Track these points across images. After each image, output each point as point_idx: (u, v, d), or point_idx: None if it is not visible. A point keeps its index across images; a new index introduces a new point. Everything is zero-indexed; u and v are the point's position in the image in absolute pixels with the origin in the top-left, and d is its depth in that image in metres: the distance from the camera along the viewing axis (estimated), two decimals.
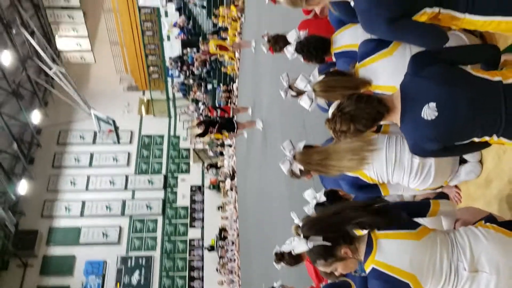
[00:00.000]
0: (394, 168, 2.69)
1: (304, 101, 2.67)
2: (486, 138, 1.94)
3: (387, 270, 1.95)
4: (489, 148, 2.30)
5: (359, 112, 2.01)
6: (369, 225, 2.03)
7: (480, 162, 2.75)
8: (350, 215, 2.03)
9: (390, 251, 1.98)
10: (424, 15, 1.97)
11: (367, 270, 2.03)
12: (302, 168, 2.46)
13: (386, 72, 2.50)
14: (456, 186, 2.97)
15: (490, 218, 2.11)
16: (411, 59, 2.00)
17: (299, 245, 2.10)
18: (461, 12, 1.93)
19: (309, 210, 3.13)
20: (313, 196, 3.12)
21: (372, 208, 2.05)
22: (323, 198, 3.09)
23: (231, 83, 19.36)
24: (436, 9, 1.95)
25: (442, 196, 3.01)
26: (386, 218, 2.03)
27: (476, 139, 1.96)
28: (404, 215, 2.12)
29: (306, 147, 2.63)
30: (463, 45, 2.35)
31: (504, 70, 1.96)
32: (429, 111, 1.89)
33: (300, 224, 2.40)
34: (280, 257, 3.72)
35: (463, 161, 2.82)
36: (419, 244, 1.96)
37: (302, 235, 2.11)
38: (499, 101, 1.84)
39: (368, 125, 2.05)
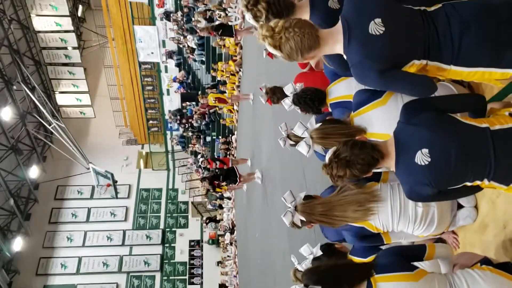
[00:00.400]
0: (400, 217, 2.76)
1: (302, 147, 2.75)
2: (478, 182, 2.03)
3: None
4: (482, 192, 2.41)
5: (354, 158, 2.08)
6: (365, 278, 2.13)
7: (476, 207, 2.81)
8: (348, 276, 2.14)
9: None
10: (413, 67, 2.06)
11: None
12: (304, 219, 2.48)
13: (380, 121, 2.59)
14: (453, 232, 3.03)
15: (486, 261, 2.20)
16: (403, 107, 2.12)
17: None
18: (447, 64, 2.04)
19: (307, 266, 3.16)
20: (309, 251, 3.18)
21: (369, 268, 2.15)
22: (319, 252, 3.15)
23: (230, 135, 19.46)
24: (424, 61, 2.05)
25: (441, 242, 3.05)
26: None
27: (468, 183, 2.04)
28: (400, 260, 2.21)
29: (307, 197, 2.69)
30: (451, 94, 2.47)
31: (491, 118, 2.07)
32: (422, 157, 1.99)
33: (300, 269, 2.56)
34: None
35: (459, 207, 2.88)
36: (417, 285, 2.05)
37: (302, 284, 2.19)
38: (487, 147, 1.94)
39: (363, 170, 2.12)
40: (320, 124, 2.77)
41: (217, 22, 17.24)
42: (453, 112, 2.09)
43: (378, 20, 2.01)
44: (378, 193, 2.28)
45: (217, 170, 15.47)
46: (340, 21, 2.11)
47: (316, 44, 2.11)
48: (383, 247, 3.30)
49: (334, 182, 2.19)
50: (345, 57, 2.14)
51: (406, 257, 2.22)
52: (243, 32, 13.57)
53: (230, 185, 13.98)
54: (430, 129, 1.99)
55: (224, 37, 16.80)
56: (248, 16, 2.55)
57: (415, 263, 2.22)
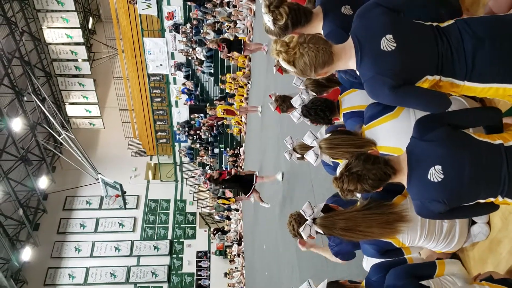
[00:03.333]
0: (427, 233, 2.73)
1: (310, 156, 2.76)
2: (491, 199, 2.01)
3: None
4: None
5: (366, 172, 2.06)
6: None
7: (488, 223, 2.78)
8: None
9: None
10: (426, 82, 2.05)
11: None
12: (322, 232, 2.45)
13: (392, 134, 2.58)
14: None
15: (488, 278, 2.24)
16: (416, 123, 2.10)
17: None
18: (461, 80, 2.02)
19: None
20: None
21: None
22: None
23: (238, 147, 19.49)
24: (437, 77, 2.03)
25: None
26: None
27: (481, 200, 2.03)
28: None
29: (326, 208, 2.66)
30: (465, 109, 2.44)
31: (504, 134, 2.06)
32: (435, 173, 1.97)
33: None
34: None
35: (472, 223, 2.86)
36: None
37: None
38: (501, 164, 1.93)
39: (374, 186, 2.09)
40: (329, 134, 2.77)
41: (225, 35, 17.41)
42: (466, 128, 2.09)
43: (389, 36, 2.01)
44: (407, 214, 2.27)
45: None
46: (351, 38, 2.12)
47: (330, 60, 2.11)
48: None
49: (344, 196, 2.16)
50: (358, 73, 2.14)
51: (417, 277, 2.21)
52: (252, 47, 13.62)
53: (239, 196, 13.95)
54: (444, 145, 1.99)
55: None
56: (268, 18, 2.51)
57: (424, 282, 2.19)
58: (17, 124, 19.80)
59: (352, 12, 2.52)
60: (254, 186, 12.60)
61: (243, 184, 12.70)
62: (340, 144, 2.65)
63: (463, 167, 1.94)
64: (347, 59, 2.13)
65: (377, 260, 3.06)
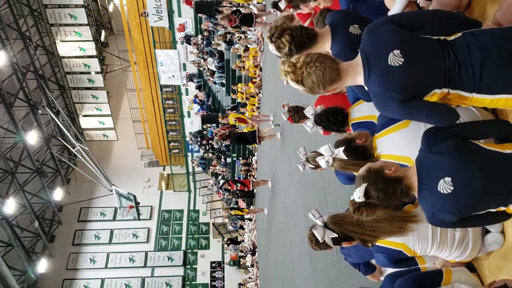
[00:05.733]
0: (439, 243, 2.72)
1: (321, 162, 2.81)
2: (502, 208, 2.02)
3: None
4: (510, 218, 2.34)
5: (384, 203, 2.08)
6: None
7: (502, 232, 2.76)
8: None
9: None
10: (434, 96, 2.06)
11: None
12: (334, 235, 2.46)
13: (401, 143, 2.59)
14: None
15: (503, 286, 2.20)
16: (424, 135, 2.12)
17: None
18: (469, 92, 2.03)
19: None
20: None
21: None
22: None
23: (250, 156, 19.51)
24: (445, 90, 2.05)
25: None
26: None
27: (492, 210, 2.04)
28: None
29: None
30: (474, 121, 2.44)
31: None
32: (445, 185, 1.98)
33: None
34: None
35: (486, 232, 2.84)
36: None
37: None
38: (510, 172, 1.94)
39: (389, 210, 2.16)
40: (345, 152, 2.77)
41: (236, 45, 17.51)
42: (476, 139, 2.09)
43: (397, 52, 2.03)
44: (417, 214, 2.29)
45: (237, 192, 15.62)
46: (359, 54, 2.14)
47: (337, 77, 2.14)
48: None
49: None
50: (366, 88, 2.16)
51: (424, 285, 2.23)
52: (262, 17, 13.68)
53: (252, 206, 14.08)
54: (452, 157, 1.99)
55: (244, 59, 17.08)
56: (272, 48, 2.60)
57: None
58: (32, 137, 20.07)
59: (360, 32, 2.53)
60: (259, 137, 12.82)
61: (248, 140, 13.03)
62: (352, 168, 2.67)
63: (473, 178, 1.95)
64: (355, 75, 2.15)
65: (393, 270, 3.06)
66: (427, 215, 2.16)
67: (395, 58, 2.03)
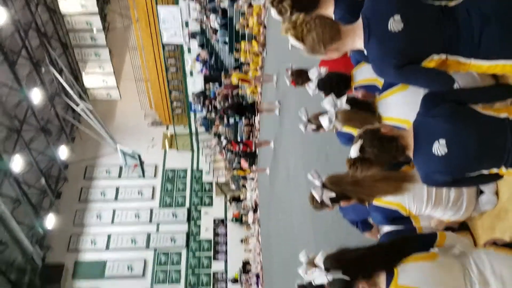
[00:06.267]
0: (434, 202, 2.81)
1: (324, 120, 2.90)
2: (495, 170, 2.09)
3: None
4: (503, 179, 2.42)
5: (379, 158, 2.19)
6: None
7: (496, 193, 2.84)
8: (372, 264, 2.21)
9: (411, 273, 2.13)
10: (432, 61, 2.10)
11: None
12: (332, 195, 2.51)
13: (400, 105, 2.68)
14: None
15: (494, 243, 2.34)
16: (423, 99, 2.18)
17: (319, 277, 2.28)
18: (467, 58, 2.07)
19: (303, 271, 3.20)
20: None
21: (393, 255, 2.20)
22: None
23: (253, 117, 19.56)
24: (443, 56, 2.08)
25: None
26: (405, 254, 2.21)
27: (484, 171, 2.11)
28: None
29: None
30: (473, 87, 2.47)
31: (510, 106, 2.13)
32: (439, 148, 2.05)
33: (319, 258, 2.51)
34: None
35: (480, 193, 2.93)
36: (434, 266, 2.15)
37: (323, 267, 2.27)
38: (505, 137, 2.00)
39: (385, 168, 2.24)
40: (348, 103, 2.88)
41: (240, 2, 17.26)
42: (473, 104, 2.14)
43: (397, 17, 2.06)
44: (413, 174, 2.35)
45: (240, 152, 15.85)
46: (360, 18, 2.18)
47: (337, 36, 2.17)
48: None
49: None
50: (365, 52, 2.21)
51: (417, 244, 2.32)
52: None
53: (253, 166, 14.34)
54: (448, 120, 2.06)
55: (248, 17, 16.88)
56: (274, 12, 2.64)
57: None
58: (36, 95, 20.10)
59: None
60: (257, 108, 13.05)
61: (248, 111, 13.25)
62: (354, 119, 2.78)
63: (467, 140, 2.02)
64: (355, 37, 2.19)
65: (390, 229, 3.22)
66: (421, 176, 2.25)
67: (395, 24, 2.07)
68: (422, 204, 2.83)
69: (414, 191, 2.68)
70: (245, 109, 14.93)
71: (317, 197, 2.50)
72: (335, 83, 3.57)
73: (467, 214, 2.89)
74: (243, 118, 18.79)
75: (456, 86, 2.27)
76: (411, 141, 2.18)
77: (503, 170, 2.08)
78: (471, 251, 2.33)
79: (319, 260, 3.15)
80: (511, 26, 1.95)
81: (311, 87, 3.87)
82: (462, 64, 2.11)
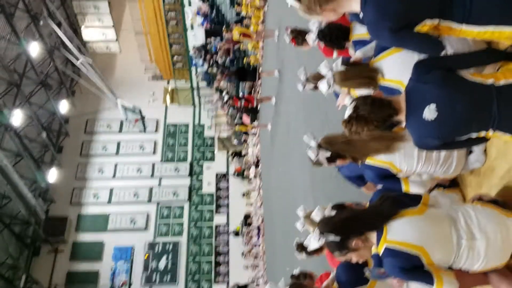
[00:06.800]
0: (425, 159, 2.90)
1: (322, 85, 2.95)
2: (483, 133, 2.23)
3: (399, 246, 2.23)
4: (491, 139, 2.52)
5: (373, 115, 2.28)
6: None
7: (485, 151, 2.95)
8: (363, 224, 2.34)
9: (399, 228, 2.27)
10: (425, 26, 2.17)
11: (381, 252, 2.29)
12: (328, 155, 2.62)
13: (395, 67, 2.72)
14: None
15: (478, 199, 2.51)
16: (414, 66, 2.28)
17: (313, 242, 2.40)
18: (459, 23, 2.14)
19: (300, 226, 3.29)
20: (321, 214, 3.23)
21: (383, 216, 2.30)
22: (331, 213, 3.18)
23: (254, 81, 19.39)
24: (436, 21, 2.15)
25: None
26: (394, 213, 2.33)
27: (473, 134, 2.24)
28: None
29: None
30: (462, 53, 2.53)
31: (498, 72, 2.20)
32: (429, 112, 2.17)
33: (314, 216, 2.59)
34: (302, 247, 3.86)
35: (470, 152, 3.04)
36: (422, 218, 2.29)
37: (317, 231, 2.43)
38: (491, 101, 2.12)
39: (379, 127, 2.32)
40: (344, 67, 2.91)
41: None
42: (462, 69, 2.23)
43: None
44: (404, 134, 2.46)
45: (242, 108, 15.85)
46: None
47: None
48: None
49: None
50: (361, 15, 2.24)
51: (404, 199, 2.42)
52: None
53: (254, 121, 14.41)
54: (438, 86, 2.15)
55: None
56: None
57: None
58: (35, 49, 19.86)
59: None
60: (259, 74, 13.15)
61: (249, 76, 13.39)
62: (353, 76, 2.80)
63: (455, 105, 2.13)
64: (351, 0, 2.23)
65: None
66: (414, 140, 2.35)
67: None
68: (412, 161, 2.92)
69: (405, 150, 2.78)
70: (247, 73, 14.98)
71: (312, 158, 2.65)
72: (334, 34, 3.59)
73: (457, 171, 3.00)
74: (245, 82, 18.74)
75: (445, 52, 2.36)
76: (403, 104, 2.28)
77: (490, 133, 2.21)
78: (460, 205, 2.49)
79: (316, 215, 3.27)
80: None
81: (311, 37, 3.87)
82: (453, 30, 2.18)
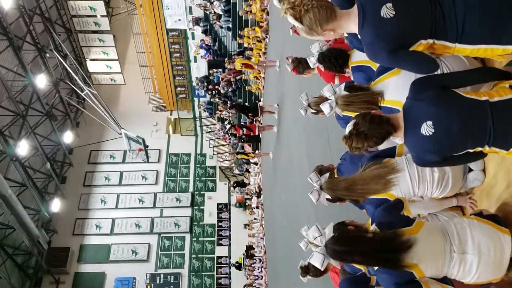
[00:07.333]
0: (419, 183, 3.00)
1: (325, 108, 3.08)
2: (479, 149, 2.29)
3: None
4: (491, 155, 2.62)
5: (372, 132, 2.40)
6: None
7: (483, 170, 3.04)
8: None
9: None
10: (420, 46, 2.26)
11: (377, 271, 2.41)
12: (329, 197, 2.77)
13: (394, 88, 2.85)
14: (467, 193, 3.24)
15: (477, 213, 2.57)
16: (412, 84, 2.36)
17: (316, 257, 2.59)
18: (452, 42, 2.24)
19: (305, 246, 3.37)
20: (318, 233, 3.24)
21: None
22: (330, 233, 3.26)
23: (257, 102, 19.63)
24: (430, 41, 2.25)
25: (458, 208, 3.29)
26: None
27: (470, 150, 2.31)
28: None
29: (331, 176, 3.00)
30: (457, 71, 2.69)
31: (492, 90, 2.29)
32: (426, 128, 2.25)
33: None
34: (306, 269, 3.91)
35: (469, 170, 3.11)
36: (418, 238, 2.33)
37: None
38: (486, 118, 2.19)
39: (378, 143, 2.44)
40: (347, 92, 3.04)
41: None
42: (458, 88, 2.31)
43: (389, 5, 2.22)
44: (395, 166, 2.55)
45: (243, 136, 16.02)
46: (356, 4, 2.33)
47: (332, 16, 2.31)
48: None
49: (353, 152, 2.50)
50: (359, 36, 2.36)
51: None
52: None
53: (257, 152, 14.61)
54: (434, 104, 2.24)
55: (251, 3, 16.90)
56: (275, 1, 2.85)
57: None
58: (41, 81, 20.21)
59: None
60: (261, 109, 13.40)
61: (251, 111, 13.66)
62: (355, 102, 2.91)
63: (451, 121, 2.20)
64: (350, 21, 2.34)
65: None
66: (413, 156, 2.46)
67: (387, 11, 2.21)
68: (408, 186, 3.01)
69: (399, 181, 2.84)
70: (248, 109, 15.32)
71: (314, 200, 2.82)
72: (334, 57, 3.71)
73: (455, 190, 3.08)
74: (247, 103, 18.93)
75: (440, 71, 2.48)
76: (402, 122, 2.36)
77: (486, 148, 2.25)
78: (455, 219, 2.54)
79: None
80: (492, 14, 2.10)
81: (312, 60, 4.00)
82: (448, 48, 2.27)
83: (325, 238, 2.65)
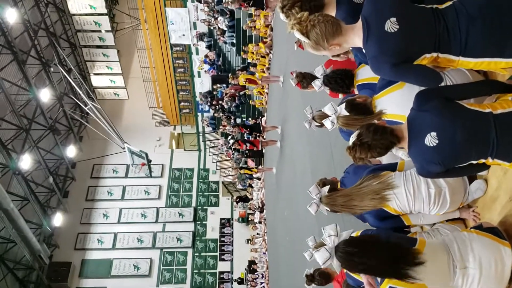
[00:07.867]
0: (414, 199, 2.99)
1: (327, 123, 3.14)
2: (482, 160, 2.30)
3: (402, 286, 2.33)
4: (492, 170, 2.63)
5: (375, 142, 2.39)
6: None
7: (486, 180, 3.00)
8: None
9: None
10: (424, 59, 2.29)
11: None
12: (328, 209, 2.79)
13: (397, 103, 2.85)
14: (469, 206, 3.20)
15: (477, 226, 2.59)
16: (416, 96, 2.37)
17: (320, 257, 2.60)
18: (456, 56, 2.26)
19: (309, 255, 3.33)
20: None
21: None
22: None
23: (260, 117, 19.68)
24: (434, 54, 2.27)
25: (461, 221, 3.26)
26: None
27: (473, 162, 2.32)
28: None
29: (331, 190, 2.98)
30: (461, 83, 2.70)
31: (495, 103, 2.30)
32: (430, 139, 2.26)
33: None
34: (311, 278, 3.89)
35: (470, 180, 3.09)
36: (425, 257, 2.30)
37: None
38: (489, 129, 2.20)
39: (382, 153, 2.43)
40: (347, 111, 3.05)
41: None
42: (461, 99, 2.33)
43: (393, 19, 2.24)
44: (391, 181, 2.59)
45: (247, 151, 16.02)
46: (360, 19, 2.36)
47: (338, 31, 2.35)
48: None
49: (356, 162, 2.49)
50: (364, 51, 2.39)
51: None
52: (273, 4, 13.73)
53: (260, 167, 14.63)
54: (438, 115, 2.25)
55: (255, 19, 17.02)
56: (283, 17, 2.87)
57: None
58: (45, 95, 20.32)
59: (363, 0, 2.72)
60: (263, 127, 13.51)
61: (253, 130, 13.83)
62: (354, 124, 2.87)
63: (454, 132, 2.21)
64: (354, 36, 2.37)
65: None
66: (416, 167, 2.44)
67: (391, 25, 2.24)
68: (404, 201, 3.01)
69: (395, 194, 2.92)
70: (250, 128, 15.48)
71: (313, 213, 2.84)
72: (340, 78, 3.71)
73: (455, 206, 3.05)
74: (250, 118, 19.01)
75: (444, 83, 2.48)
76: (406, 133, 2.37)
77: (489, 160, 2.26)
78: (456, 233, 2.55)
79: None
80: (495, 28, 2.13)
81: (317, 84, 4.00)
82: (451, 61, 2.29)
83: (338, 239, 2.64)
